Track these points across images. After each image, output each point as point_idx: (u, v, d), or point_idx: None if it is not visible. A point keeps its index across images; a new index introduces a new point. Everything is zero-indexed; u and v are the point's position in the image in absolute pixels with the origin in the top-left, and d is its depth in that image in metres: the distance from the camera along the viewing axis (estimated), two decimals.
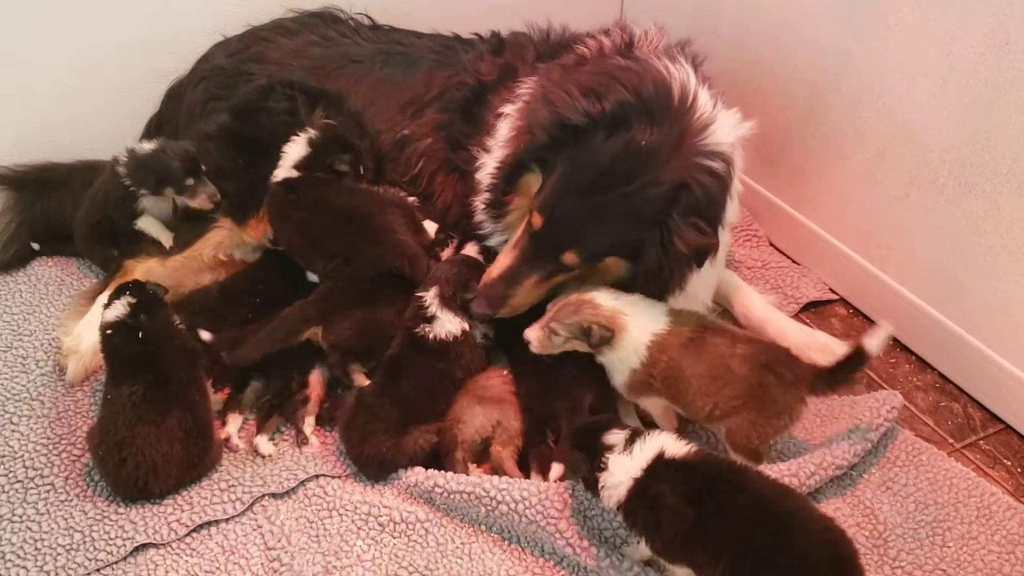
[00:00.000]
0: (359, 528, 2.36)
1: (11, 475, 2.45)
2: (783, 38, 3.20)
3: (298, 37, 3.23)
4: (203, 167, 2.83)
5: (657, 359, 2.34)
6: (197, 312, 2.69)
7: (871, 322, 3.12)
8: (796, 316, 3.11)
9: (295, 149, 2.79)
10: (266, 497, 2.42)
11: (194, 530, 2.34)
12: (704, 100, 2.40)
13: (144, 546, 2.30)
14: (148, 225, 2.92)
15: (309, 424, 2.58)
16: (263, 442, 2.54)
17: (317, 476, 2.47)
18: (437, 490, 2.37)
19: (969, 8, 2.54)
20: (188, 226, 2.93)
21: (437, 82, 3.05)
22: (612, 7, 3.91)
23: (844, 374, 2.31)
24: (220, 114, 3.00)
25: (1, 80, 3.16)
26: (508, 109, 2.73)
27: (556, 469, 2.36)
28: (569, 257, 2.39)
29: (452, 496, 2.35)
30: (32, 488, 2.42)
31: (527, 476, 2.42)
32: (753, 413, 2.31)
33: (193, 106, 3.15)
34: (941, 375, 2.92)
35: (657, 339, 2.35)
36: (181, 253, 2.91)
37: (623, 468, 2.07)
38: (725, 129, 2.40)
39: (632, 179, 2.30)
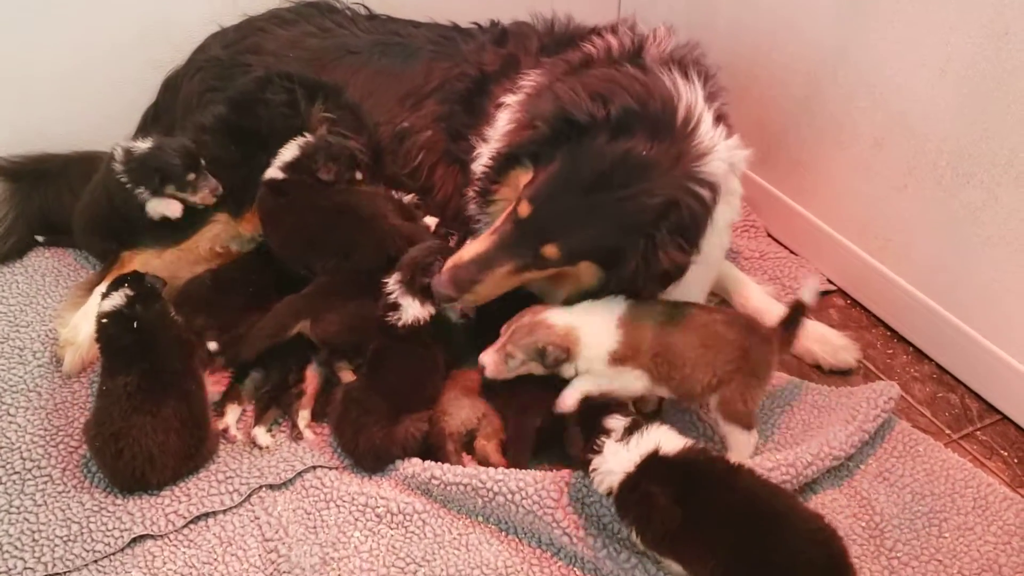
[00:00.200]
0: (356, 519, 2.36)
1: (8, 466, 2.45)
2: (780, 28, 3.19)
3: (295, 27, 3.22)
4: (202, 161, 2.81)
5: (628, 355, 2.34)
6: (190, 300, 2.69)
7: (869, 313, 3.12)
8: None
9: (288, 151, 2.78)
10: (264, 488, 2.42)
11: (192, 521, 2.34)
12: (706, 127, 2.40)
13: (142, 537, 2.30)
14: (159, 206, 2.83)
15: (303, 418, 2.58)
16: (261, 433, 2.55)
17: (314, 467, 2.47)
18: (434, 481, 2.37)
19: None
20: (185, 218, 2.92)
21: (437, 73, 3.03)
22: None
23: (793, 329, 2.49)
24: (217, 105, 2.99)
25: None
26: (509, 100, 2.72)
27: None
28: (550, 250, 2.36)
29: (449, 487, 2.36)
30: (30, 479, 2.43)
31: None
32: (743, 376, 2.37)
33: (189, 97, 3.14)
34: (938, 366, 2.92)
35: (619, 346, 2.34)
36: (177, 245, 2.90)
37: (617, 458, 2.08)
38: (720, 159, 2.40)
39: (629, 184, 2.29)
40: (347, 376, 2.60)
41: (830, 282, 3.24)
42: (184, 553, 2.28)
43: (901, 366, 2.93)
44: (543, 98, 2.51)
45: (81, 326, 2.72)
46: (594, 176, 2.31)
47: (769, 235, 3.45)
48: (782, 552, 1.94)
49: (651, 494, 2.02)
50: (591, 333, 2.34)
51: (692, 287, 2.58)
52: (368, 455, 2.43)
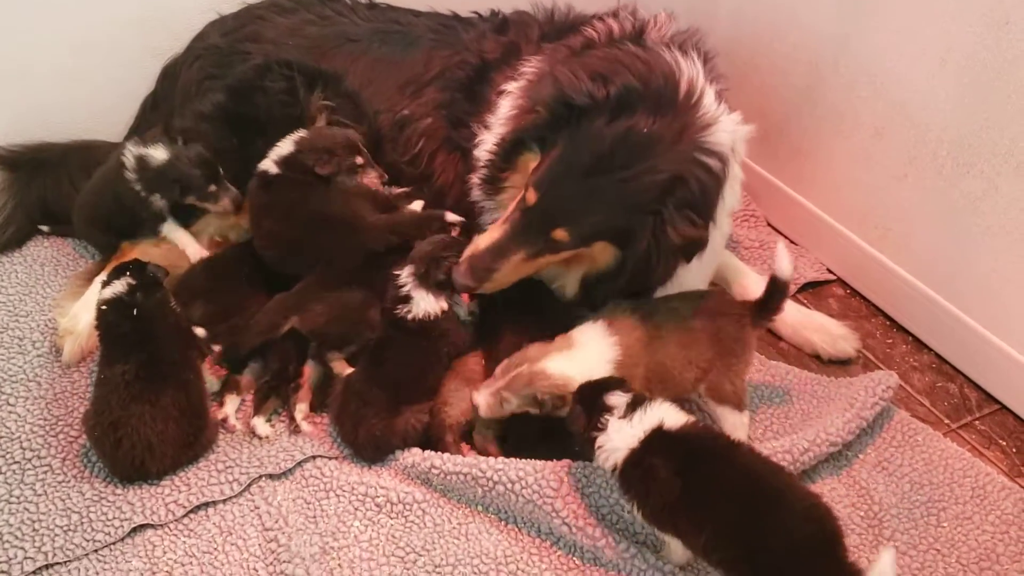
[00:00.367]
0: (356, 509, 2.36)
1: (8, 456, 2.45)
2: (781, 17, 3.18)
3: (294, 15, 3.20)
4: (220, 170, 2.80)
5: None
6: (186, 289, 2.69)
7: (868, 302, 3.12)
8: (793, 297, 3.10)
9: (284, 145, 2.76)
10: (263, 478, 2.42)
11: (191, 511, 2.34)
12: (709, 100, 2.40)
13: (142, 527, 2.30)
14: (175, 234, 2.87)
15: (301, 411, 2.57)
16: (260, 423, 2.55)
17: (314, 457, 2.47)
18: (434, 471, 2.37)
19: None
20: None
21: (437, 61, 3.02)
22: None
23: (773, 304, 2.47)
24: (215, 93, 2.97)
25: None
26: (510, 87, 2.72)
27: None
28: (560, 234, 2.37)
29: (449, 477, 2.36)
30: (29, 469, 2.42)
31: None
32: (723, 358, 2.41)
33: (188, 85, 3.12)
34: (937, 355, 2.93)
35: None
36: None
37: (621, 435, 2.09)
38: (726, 130, 2.39)
39: (630, 165, 2.29)
40: (340, 366, 2.59)
41: (830, 271, 3.24)
42: (184, 542, 2.28)
43: (900, 356, 2.94)
44: (543, 83, 2.51)
45: (81, 315, 2.72)
46: (595, 159, 2.31)
47: (769, 225, 3.45)
48: (777, 527, 1.95)
49: (654, 467, 2.03)
50: (587, 379, 2.31)
51: (693, 276, 2.58)
52: (368, 446, 2.43)
